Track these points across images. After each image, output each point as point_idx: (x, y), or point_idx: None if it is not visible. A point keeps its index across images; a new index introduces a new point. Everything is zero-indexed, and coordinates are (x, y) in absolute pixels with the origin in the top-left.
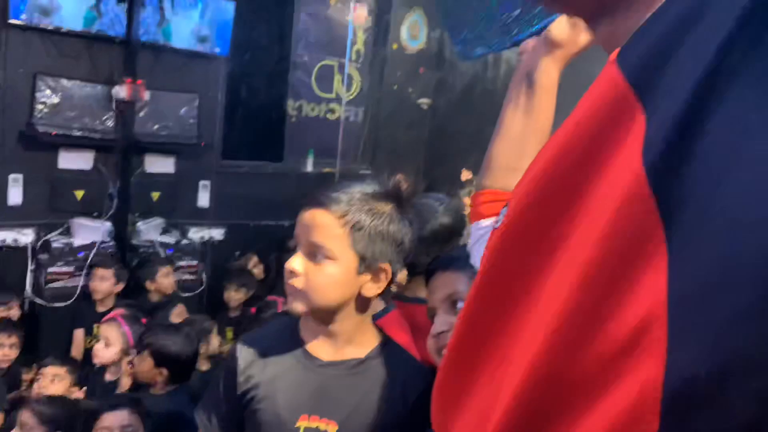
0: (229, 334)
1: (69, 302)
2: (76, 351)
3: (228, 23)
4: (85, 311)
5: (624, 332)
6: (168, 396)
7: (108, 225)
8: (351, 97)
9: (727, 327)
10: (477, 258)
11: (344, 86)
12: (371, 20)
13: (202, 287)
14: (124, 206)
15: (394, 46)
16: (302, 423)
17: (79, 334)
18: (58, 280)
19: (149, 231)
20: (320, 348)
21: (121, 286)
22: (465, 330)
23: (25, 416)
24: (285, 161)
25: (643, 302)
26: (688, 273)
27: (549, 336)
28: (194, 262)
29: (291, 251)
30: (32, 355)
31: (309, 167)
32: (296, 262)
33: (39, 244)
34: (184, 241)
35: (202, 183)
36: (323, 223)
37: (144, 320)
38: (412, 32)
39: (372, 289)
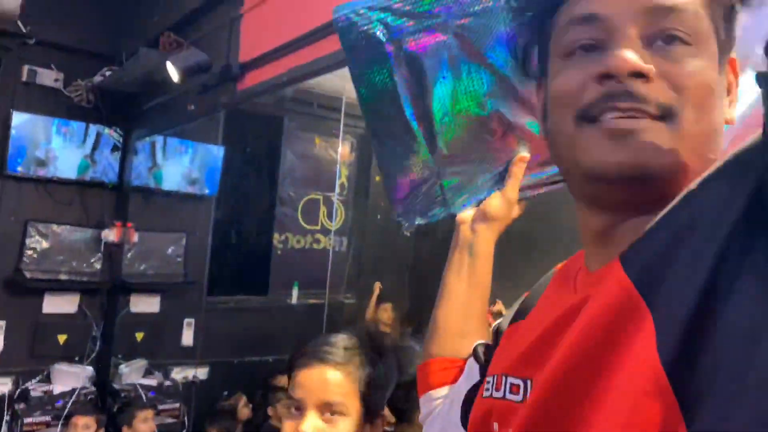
0: None
1: None
2: None
3: (217, 166)
4: None
5: None
6: None
7: (89, 369)
8: (336, 227)
9: None
10: None
11: (331, 218)
12: (354, 156)
13: (185, 430)
14: (107, 349)
15: (377, 179)
16: None
17: None
18: (34, 431)
19: (131, 374)
20: None
21: None
22: None
23: None
24: (270, 294)
25: None
26: None
27: None
28: (176, 405)
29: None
30: None
31: (294, 299)
32: (310, 425)
33: (17, 393)
34: (167, 383)
35: (186, 321)
36: (335, 380)
37: None
38: None
39: None
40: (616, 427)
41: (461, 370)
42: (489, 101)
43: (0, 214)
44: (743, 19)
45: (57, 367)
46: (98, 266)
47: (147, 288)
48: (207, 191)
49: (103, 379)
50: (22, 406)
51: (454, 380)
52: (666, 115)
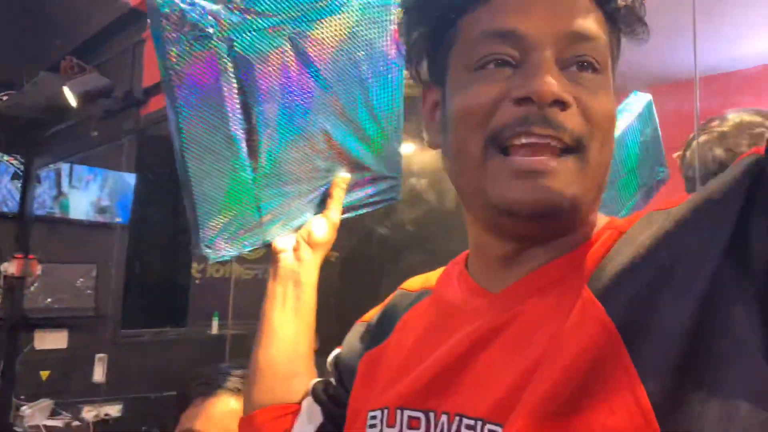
0: None
1: None
2: None
3: (128, 193)
4: None
5: None
6: None
7: None
8: (258, 257)
9: None
10: None
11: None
12: None
13: None
14: (8, 389)
15: None
16: None
17: None
18: None
19: (35, 415)
20: None
21: None
22: None
23: None
24: (189, 326)
25: None
26: None
27: None
28: None
29: None
30: None
31: (214, 330)
32: None
33: None
34: (75, 423)
35: (97, 356)
36: (239, 410)
37: None
38: None
39: None
40: None
41: (296, 416)
42: (316, 118)
43: None
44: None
45: None
46: None
47: (53, 323)
48: (119, 219)
49: (2, 422)
50: None
51: (290, 429)
52: (577, 147)
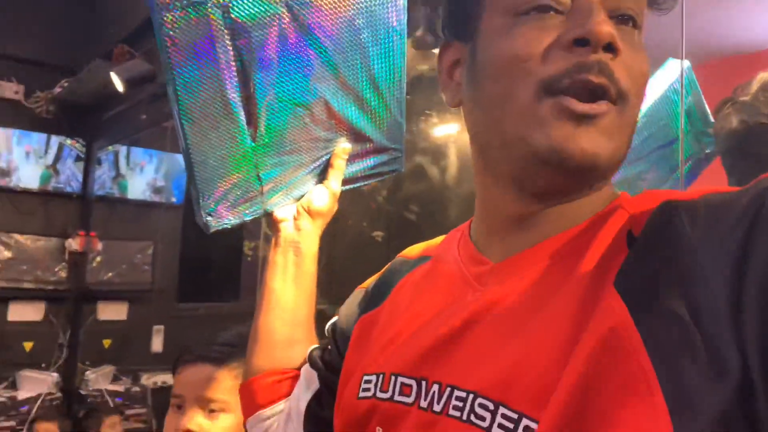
0: None
1: None
2: None
3: (183, 174)
4: None
5: None
6: None
7: (55, 376)
8: None
9: None
10: None
11: None
12: None
13: None
14: (74, 355)
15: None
16: None
17: None
18: None
19: (98, 380)
20: None
21: None
22: None
23: None
24: (241, 300)
25: None
26: None
27: None
28: (144, 410)
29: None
30: None
31: None
32: (192, 422)
33: None
34: (135, 389)
35: (155, 328)
36: (214, 377)
37: None
38: None
39: None
40: None
41: (295, 381)
42: (315, 86)
43: None
44: None
45: (22, 373)
46: (63, 275)
47: (114, 296)
48: (174, 200)
49: (69, 385)
50: None
51: (289, 393)
52: (623, 98)
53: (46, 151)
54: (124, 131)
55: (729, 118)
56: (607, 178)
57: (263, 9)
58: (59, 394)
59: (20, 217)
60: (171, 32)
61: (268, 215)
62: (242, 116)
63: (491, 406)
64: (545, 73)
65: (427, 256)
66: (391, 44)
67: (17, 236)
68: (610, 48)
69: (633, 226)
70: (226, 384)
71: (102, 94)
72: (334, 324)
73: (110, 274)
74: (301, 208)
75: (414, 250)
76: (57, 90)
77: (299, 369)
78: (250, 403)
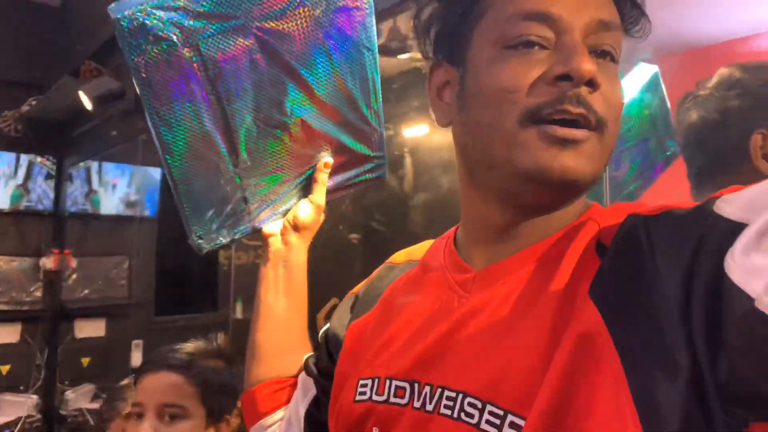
0: None
1: None
2: None
3: (156, 187)
4: None
5: None
6: None
7: (34, 398)
8: None
9: None
10: None
11: None
12: None
13: None
14: (52, 376)
15: None
16: None
17: None
18: None
19: (78, 399)
20: None
21: None
22: None
23: None
24: (219, 311)
25: None
26: None
27: None
28: None
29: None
30: None
31: (239, 314)
32: (149, 426)
33: None
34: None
35: (134, 342)
36: (173, 383)
37: None
38: None
39: None
40: None
41: (293, 389)
42: (293, 108)
43: None
44: None
45: (1, 398)
46: (39, 294)
47: (91, 312)
48: (148, 213)
49: (48, 406)
50: None
51: (288, 400)
52: (601, 126)
53: (15, 171)
54: (95, 147)
55: (689, 112)
56: (584, 194)
57: (232, 42)
58: (39, 416)
59: None
60: (144, 74)
61: (257, 231)
62: (223, 145)
63: (479, 405)
64: (530, 103)
65: (413, 261)
66: (363, 60)
67: None
68: (591, 83)
69: (602, 237)
70: (184, 391)
71: (71, 111)
72: (326, 331)
73: (86, 291)
74: (287, 223)
75: (399, 257)
76: (24, 108)
77: (296, 377)
78: (253, 411)
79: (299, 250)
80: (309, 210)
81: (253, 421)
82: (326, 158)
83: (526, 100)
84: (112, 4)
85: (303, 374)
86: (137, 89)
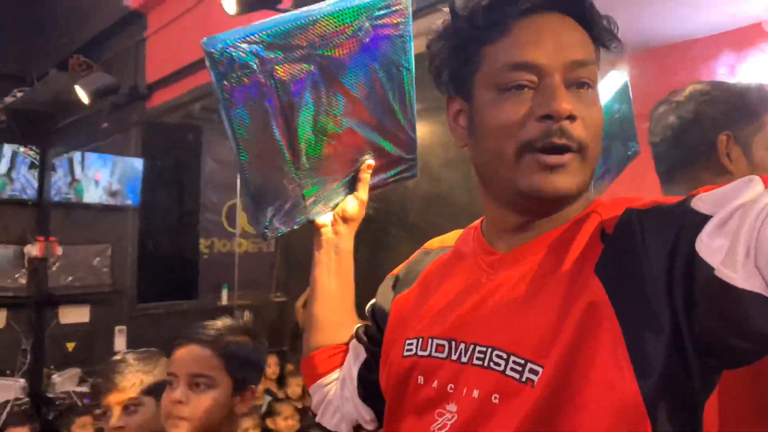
0: None
1: None
2: None
3: (137, 177)
4: None
5: None
6: None
7: (22, 381)
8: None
9: None
10: (329, 418)
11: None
12: None
13: None
14: (39, 360)
15: None
16: None
17: None
18: None
19: (65, 382)
20: None
21: None
22: None
23: None
24: (200, 298)
25: None
26: None
27: None
28: None
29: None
30: None
31: (224, 301)
32: (181, 393)
33: None
34: None
35: (117, 328)
36: (202, 355)
37: None
38: None
39: (242, 408)
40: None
41: (345, 354)
42: (344, 120)
43: None
44: None
45: None
46: (23, 281)
47: (75, 299)
48: (129, 202)
49: (36, 389)
50: None
51: (342, 363)
52: (582, 148)
53: None
54: (79, 139)
55: (666, 114)
56: (577, 200)
57: (298, 68)
58: (27, 399)
59: None
60: (228, 95)
61: (311, 222)
62: (287, 151)
63: (505, 356)
64: (523, 137)
65: (446, 247)
66: (402, 79)
67: None
68: (570, 117)
69: (605, 226)
70: (212, 362)
71: (56, 103)
72: (372, 305)
73: (70, 278)
74: (337, 216)
75: (433, 243)
76: (9, 99)
77: (347, 344)
78: (312, 373)
79: (347, 238)
80: (355, 204)
81: (312, 381)
82: (369, 160)
83: (520, 134)
84: (205, 39)
85: (354, 341)
86: (220, 106)
